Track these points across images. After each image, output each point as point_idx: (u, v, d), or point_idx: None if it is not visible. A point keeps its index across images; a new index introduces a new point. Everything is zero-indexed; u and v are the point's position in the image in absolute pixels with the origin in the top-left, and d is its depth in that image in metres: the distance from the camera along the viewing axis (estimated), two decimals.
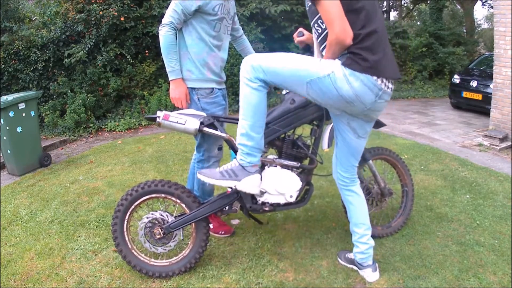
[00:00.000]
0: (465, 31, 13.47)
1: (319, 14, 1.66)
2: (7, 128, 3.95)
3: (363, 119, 1.86)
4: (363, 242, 2.07)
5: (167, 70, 2.23)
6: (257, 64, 1.80)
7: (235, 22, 2.53)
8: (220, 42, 2.32)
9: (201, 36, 2.23)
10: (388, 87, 1.71)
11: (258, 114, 1.86)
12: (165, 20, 2.17)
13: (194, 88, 2.28)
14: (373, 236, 2.13)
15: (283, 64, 1.77)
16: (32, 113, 4.21)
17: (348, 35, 1.57)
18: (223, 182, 1.92)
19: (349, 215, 2.14)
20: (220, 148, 2.44)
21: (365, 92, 1.66)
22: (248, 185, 1.92)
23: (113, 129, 6.15)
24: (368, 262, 2.08)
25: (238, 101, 8.45)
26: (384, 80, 1.68)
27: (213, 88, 2.32)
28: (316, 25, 1.76)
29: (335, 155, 2.09)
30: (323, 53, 1.78)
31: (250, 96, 1.83)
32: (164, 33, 2.17)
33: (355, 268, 2.16)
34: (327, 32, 1.66)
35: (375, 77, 1.64)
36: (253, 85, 1.82)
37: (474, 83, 7.06)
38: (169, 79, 2.24)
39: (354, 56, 1.63)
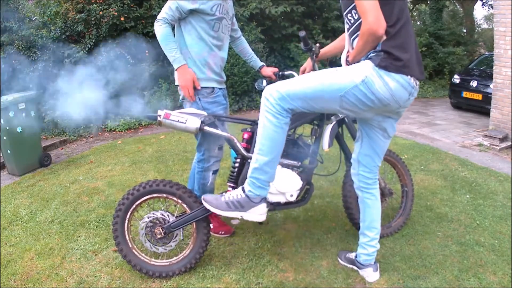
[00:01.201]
0: (465, 31, 13.46)
1: (353, 4, 1.66)
2: (7, 128, 3.95)
3: (393, 117, 1.86)
4: (371, 246, 2.08)
5: (170, 60, 2.21)
6: (281, 95, 1.73)
7: (234, 23, 2.54)
8: (220, 42, 2.32)
9: (201, 35, 2.23)
10: (416, 84, 1.72)
11: (277, 150, 1.83)
12: (159, 16, 2.20)
13: (195, 88, 2.27)
14: None
15: (311, 85, 1.72)
16: (32, 113, 4.21)
17: (381, 26, 1.55)
18: (229, 213, 1.92)
19: (362, 217, 2.13)
20: (220, 148, 2.44)
21: (400, 91, 1.66)
22: (255, 215, 1.92)
23: (113, 129, 6.15)
24: (370, 262, 2.10)
25: (238, 101, 8.35)
26: (414, 78, 1.69)
27: (214, 88, 2.32)
28: (349, 15, 1.74)
29: (357, 157, 2.05)
30: (354, 43, 1.74)
31: (272, 133, 1.77)
32: (159, 26, 2.18)
33: (355, 268, 2.16)
34: (359, 22, 1.65)
35: (409, 76, 1.65)
36: (277, 122, 1.76)
37: (474, 83, 7.07)
38: (175, 68, 2.23)
39: (389, 56, 1.62)
